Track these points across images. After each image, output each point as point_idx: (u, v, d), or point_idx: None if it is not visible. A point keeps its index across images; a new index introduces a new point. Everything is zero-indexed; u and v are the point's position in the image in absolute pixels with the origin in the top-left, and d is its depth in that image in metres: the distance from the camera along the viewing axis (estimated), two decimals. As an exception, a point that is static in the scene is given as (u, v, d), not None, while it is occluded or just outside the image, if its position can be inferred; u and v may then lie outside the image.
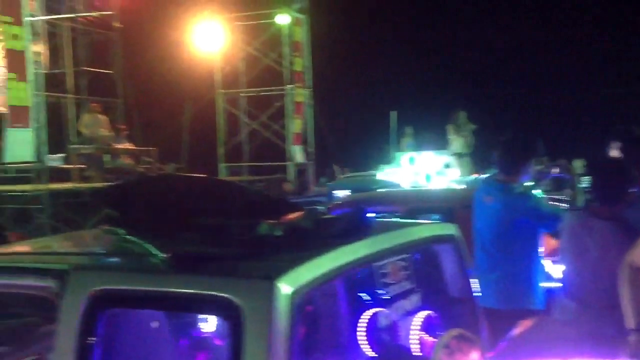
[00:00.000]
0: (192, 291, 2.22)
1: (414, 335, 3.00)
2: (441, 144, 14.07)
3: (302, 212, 2.76)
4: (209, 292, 2.19)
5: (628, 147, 4.41)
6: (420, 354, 2.97)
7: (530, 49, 24.10)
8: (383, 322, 2.95)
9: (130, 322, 2.71)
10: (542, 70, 24.36)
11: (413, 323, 3.02)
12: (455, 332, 2.94)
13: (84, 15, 18.21)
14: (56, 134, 17.39)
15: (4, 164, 11.81)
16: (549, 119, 22.86)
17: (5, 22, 11.08)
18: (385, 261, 2.95)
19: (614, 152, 4.46)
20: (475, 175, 11.34)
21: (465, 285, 3.38)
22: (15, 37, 11.16)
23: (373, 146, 18.94)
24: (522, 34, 23.63)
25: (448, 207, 5.51)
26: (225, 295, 2.14)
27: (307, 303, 2.57)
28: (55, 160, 15.41)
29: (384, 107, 18.08)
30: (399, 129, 16.47)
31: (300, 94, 20.13)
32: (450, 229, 3.31)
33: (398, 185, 11.00)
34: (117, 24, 18.88)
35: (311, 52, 20.57)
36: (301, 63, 20.19)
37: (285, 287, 2.13)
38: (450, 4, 24.24)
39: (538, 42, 23.87)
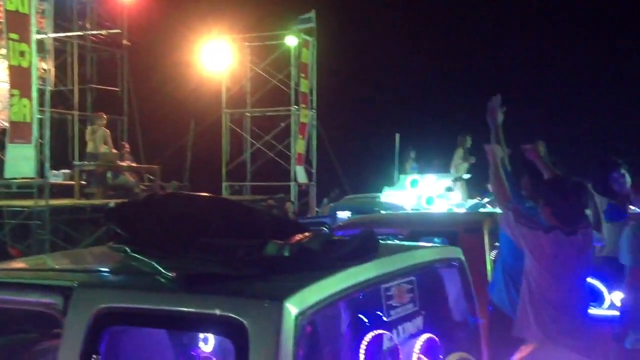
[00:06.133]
0: (199, 311, 2.22)
1: (416, 358, 2.99)
2: (444, 167, 14.06)
3: (310, 234, 2.76)
4: (215, 312, 2.18)
5: None
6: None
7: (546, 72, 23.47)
8: (385, 344, 2.94)
9: (132, 340, 2.71)
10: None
11: (415, 346, 3.02)
12: (457, 355, 2.93)
13: (93, 33, 18.37)
14: (61, 150, 17.45)
15: (5, 179, 11.77)
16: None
17: (12, 40, 11.05)
18: (391, 283, 2.95)
19: None
20: (476, 200, 11.32)
21: (468, 309, 3.39)
22: (21, 54, 11.12)
23: (376, 168, 18.91)
24: (531, 55, 23.32)
25: (451, 230, 5.49)
26: (232, 315, 2.14)
27: (312, 324, 2.56)
28: (57, 176, 15.40)
29: (388, 129, 18.07)
30: (402, 151, 16.48)
31: (305, 115, 20.21)
32: (455, 252, 3.33)
33: (400, 208, 10.98)
34: (125, 42, 19.04)
35: (317, 74, 20.68)
36: (307, 84, 20.28)
37: (292, 308, 2.13)
38: (457, 26, 24.26)
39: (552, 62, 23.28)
